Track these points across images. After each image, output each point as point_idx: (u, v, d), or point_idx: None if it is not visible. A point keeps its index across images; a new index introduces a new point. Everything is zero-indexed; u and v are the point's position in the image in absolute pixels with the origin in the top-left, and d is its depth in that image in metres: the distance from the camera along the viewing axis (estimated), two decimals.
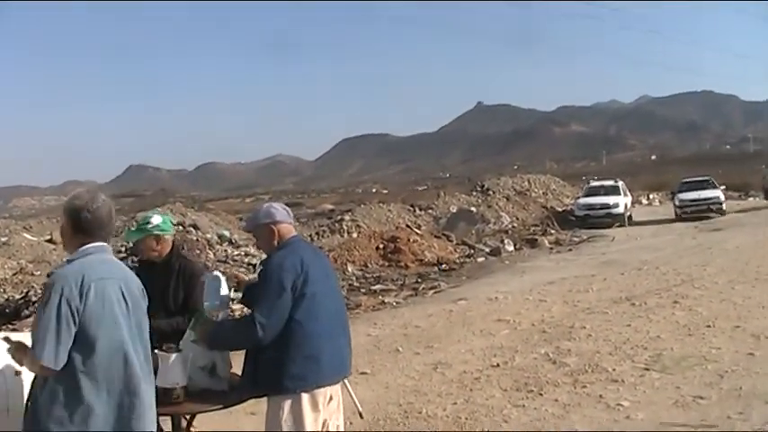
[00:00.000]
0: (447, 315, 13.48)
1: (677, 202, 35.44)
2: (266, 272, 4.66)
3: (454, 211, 36.11)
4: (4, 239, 31.47)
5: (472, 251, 24.76)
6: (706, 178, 38.03)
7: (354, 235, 28.85)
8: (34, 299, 15.21)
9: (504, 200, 39.25)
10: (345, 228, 31.46)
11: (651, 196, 54.56)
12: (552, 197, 44.05)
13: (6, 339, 4.15)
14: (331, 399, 4.69)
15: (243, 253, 24.15)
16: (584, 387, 8.30)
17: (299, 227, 38.68)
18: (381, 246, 23.36)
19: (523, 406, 7.79)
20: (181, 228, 28.11)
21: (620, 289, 14.78)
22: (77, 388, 3.71)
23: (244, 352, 4.76)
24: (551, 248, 25.77)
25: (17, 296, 17.02)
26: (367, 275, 20.58)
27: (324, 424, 4.67)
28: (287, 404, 4.49)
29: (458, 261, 22.86)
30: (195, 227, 29.33)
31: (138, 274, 5.67)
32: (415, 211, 37.12)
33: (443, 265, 21.75)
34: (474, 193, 41.33)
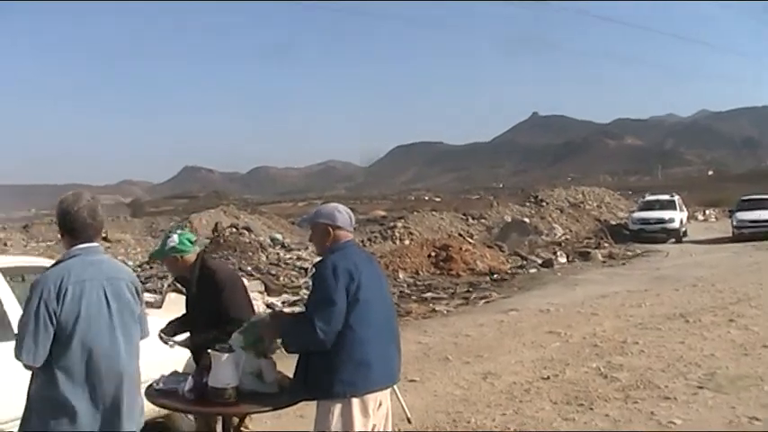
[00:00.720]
0: (498, 325, 13.42)
1: (735, 222, 33.70)
2: (320, 275, 4.66)
3: (507, 221, 35.98)
4: (59, 236, 32.07)
5: (524, 262, 24.63)
6: (767, 197, 35.90)
7: (406, 242, 28.84)
8: None
9: (558, 211, 39.03)
10: (397, 235, 31.46)
11: (707, 212, 53.87)
12: (606, 210, 43.70)
13: None
14: (381, 404, 4.69)
15: (295, 257, 24.23)
16: (635, 403, 8.20)
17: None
18: (433, 254, 23.32)
19: (573, 420, 7.73)
20: (234, 230, 28.34)
21: (674, 305, 14.59)
22: (55, 384, 3.90)
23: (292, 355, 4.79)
24: (604, 262, 25.54)
25: None
26: (418, 283, 20.56)
27: (373, 429, 4.67)
28: (337, 408, 4.50)
29: (509, 271, 22.74)
30: (248, 229, 29.51)
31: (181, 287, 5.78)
32: (467, 220, 37.06)
33: (495, 275, 21.66)
34: (527, 204, 41.16)
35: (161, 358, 5.79)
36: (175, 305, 8.15)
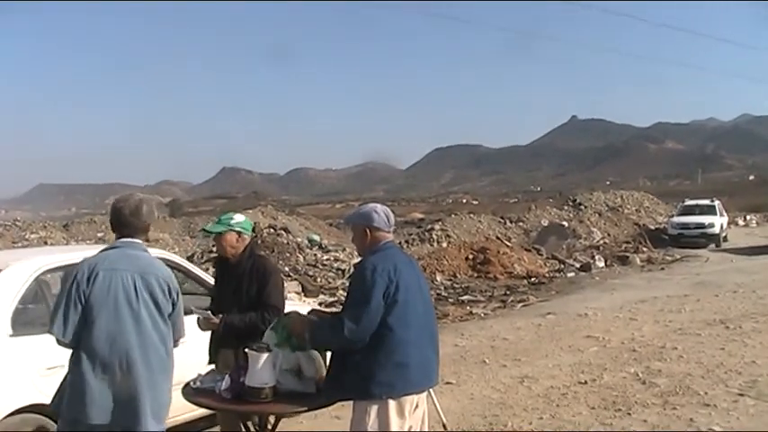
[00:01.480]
0: (535, 329, 13.37)
1: None
2: (358, 275, 4.68)
3: (545, 224, 35.84)
4: (100, 235, 32.40)
5: (562, 266, 24.52)
6: None
7: (444, 245, 28.84)
8: None
9: (596, 215, 38.81)
10: (435, 237, 31.47)
11: (748, 217, 53.22)
12: (645, 214, 43.33)
13: None
14: (417, 406, 4.69)
15: (332, 258, 24.31)
16: (674, 409, 8.11)
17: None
18: (471, 256, 23.31)
19: (611, 425, 7.67)
20: (272, 230, 28.48)
21: (714, 311, 14.43)
22: (79, 363, 4.22)
23: (330, 355, 4.80)
24: (643, 266, 25.33)
25: None
26: (455, 286, 20.55)
27: (409, 431, 4.67)
28: (373, 410, 4.50)
29: (547, 275, 22.65)
30: (286, 230, 29.65)
31: (218, 271, 5.84)
32: (505, 223, 36.96)
33: (533, 279, 21.60)
34: (565, 208, 40.94)
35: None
36: None
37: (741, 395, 8.54)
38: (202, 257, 22.22)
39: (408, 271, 4.76)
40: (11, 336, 5.64)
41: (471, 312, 16.18)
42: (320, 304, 16.01)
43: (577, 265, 24.47)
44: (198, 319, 5.80)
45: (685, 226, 33.86)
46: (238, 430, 5.84)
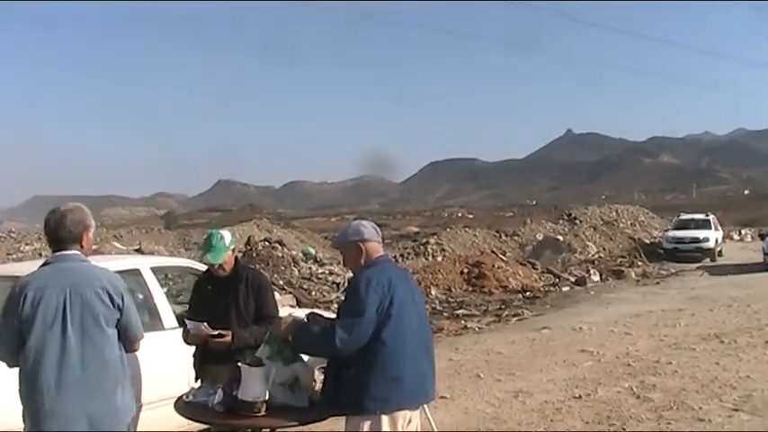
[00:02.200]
0: (530, 343, 13.35)
1: (766, 248, 28.71)
2: (353, 288, 4.67)
3: (540, 238, 35.87)
4: (95, 247, 32.30)
5: (557, 280, 24.54)
6: None
7: (439, 258, 28.86)
8: None
9: (591, 229, 38.85)
10: (430, 251, 31.48)
11: (743, 232, 53.34)
12: (640, 228, 43.42)
13: None
14: (410, 421, 4.66)
15: (327, 271, 24.30)
16: (668, 424, 8.11)
17: (384, 248, 38.68)
18: (466, 270, 23.32)
19: None
20: (267, 243, 28.46)
21: (709, 325, 14.43)
22: (21, 385, 4.20)
23: (324, 371, 4.78)
24: (638, 281, 25.36)
25: None
26: (450, 299, 20.56)
27: None
28: (366, 425, 4.48)
29: (542, 289, 22.67)
30: (281, 243, 29.62)
31: (205, 286, 5.80)
32: (500, 237, 37.01)
33: (528, 293, 21.60)
34: (560, 222, 41.03)
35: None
36: None
37: (736, 410, 8.54)
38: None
39: (403, 285, 4.75)
40: None
41: (466, 326, 16.16)
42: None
43: (572, 280, 24.49)
44: (184, 331, 5.81)
45: (680, 240, 33.93)
46: None
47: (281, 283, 20.27)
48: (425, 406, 5.09)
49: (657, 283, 24.61)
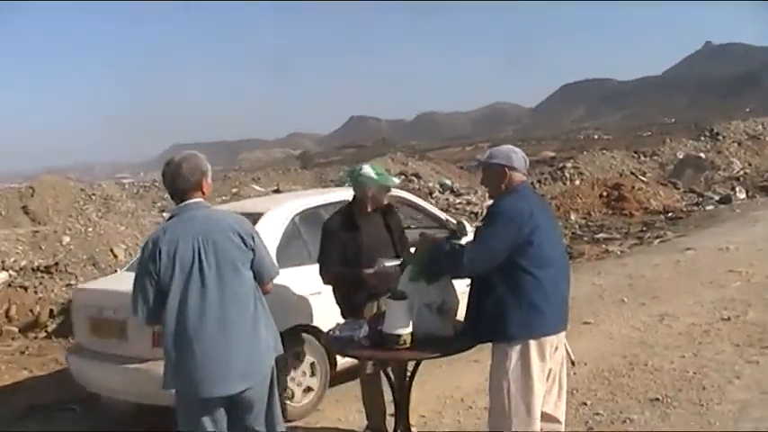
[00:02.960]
0: (674, 265, 13.07)
1: None
2: (490, 214, 4.68)
3: (681, 157, 34.75)
4: (234, 191, 33.21)
5: (700, 199, 23.82)
6: None
7: (577, 183, 28.39)
8: None
9: (735, 145, 37.36)
10: (567, 175, 30.99)
11: None
12: None
13: None
14: (557, 349, 4.68)
15: (465, 201, 24.29)
16: None
17: None
18: (605, 193, 22.92)
19: (757, 362, 7.46)
20: (403, 177, 28.61)
21: None
22: (164, 340, 4.27)
23: (467, 301, 4.81)
24: None
25: None
26: (590, 224, 20.29)
27: (549, 374, 4.67)
28: (514, 352, 4.50)
29: (685, 209, 22.07)
30: (417, 176, 29.78)
31: (352, 226, 5.82)
32: (639, 157, 36.08)
33: (670, 214, 21.08)
34: (702, 139, 39.57)
35: None
36: None
37: None
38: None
39: (542, 212, 4.73)
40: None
41: (607, 250, 15.95)
42: None
43: (716, 198, 23.71)
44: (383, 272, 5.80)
45: None
46: (378, 376, 5.97)
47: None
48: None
49: None
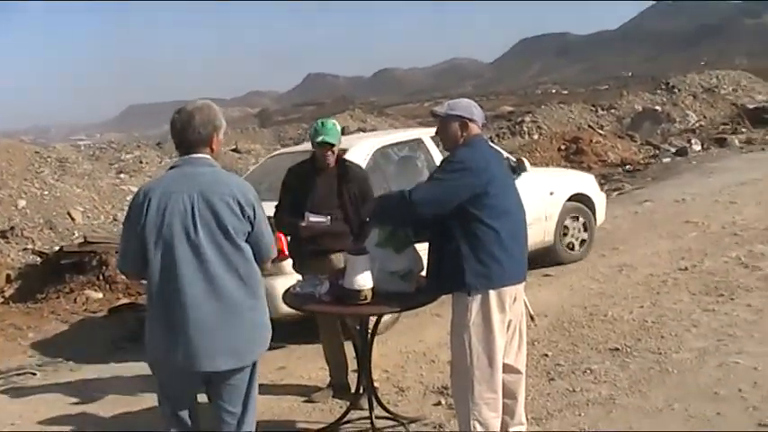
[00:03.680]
0: (632, 217, 13.19)
1: None
2: (448, 161, 4.68)
3: (638, 110, 34.96)
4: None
5: (657, 151, 23.98)
6: None
7: (535, 137, 28.49)
8: None
9: (691, 98, 37.62)
10: (526, 130, 31.07)
11: None
12: (743, 94, 41.80)
13: None
14: (515, 300, 4.70)
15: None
16: None
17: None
18: (563, 147, 23.04)
19: (713, 311, 7.58)
20: (362, 133, 28.52)
21: None
22: (147, 301, 3.98)
23: (427, 256, 4.82)
24: (742, 148, 24.56)
25: None
26: None
27: (509, 325, 4.69)
28: (474, 304, 4.51)
29: (642, 162, 22.21)
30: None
31: (309, 178, 5.81)
32: (597, 111, 36.20)
33: (627, 166, 21.22)
34: (658, 92, 39.77)
35: None
36: None
37: None
38: None
39: (498, 165, 4.75)
40: None
41: None
42: None
43: (673, 150, 23.88)
44: (290, 223, 5.92)
45: None
46: (339, 332, 5.99)
47: None
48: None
49: (763, 149, 23.84)
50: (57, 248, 12.28)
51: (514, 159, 9.33)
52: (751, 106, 36.98)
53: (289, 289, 5.38)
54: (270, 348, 4.12)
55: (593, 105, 37.95)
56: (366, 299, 4.76)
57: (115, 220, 15.77)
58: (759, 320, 7.15)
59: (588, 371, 6.31)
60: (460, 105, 4.78)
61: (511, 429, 4.85)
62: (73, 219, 15.08)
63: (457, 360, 4.66)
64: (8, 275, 11.58)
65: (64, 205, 15.67)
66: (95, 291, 10.55)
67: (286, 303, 5.19)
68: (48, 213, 15.12)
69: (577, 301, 8.40)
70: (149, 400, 5.53)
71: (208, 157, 3.98)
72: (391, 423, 5.53)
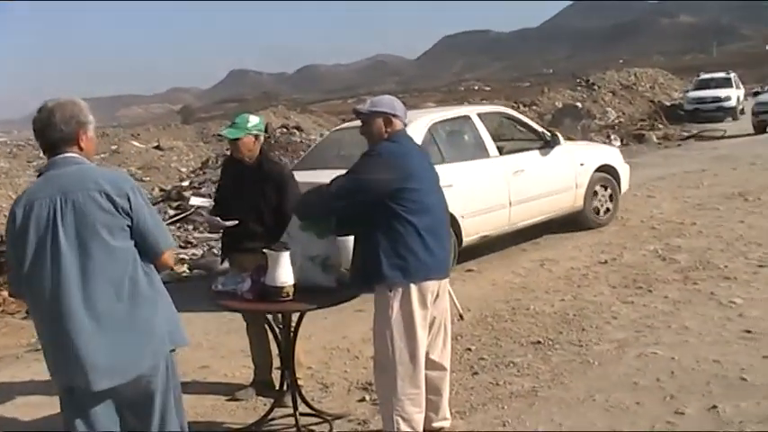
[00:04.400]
0: None
1: (755, 107, 27.27)
2: (367, 155, 4.67)
3: (559, 106, 35.45)
4: (114, 147, 32.40)
5: None
6: None
7: None
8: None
9: (610, 95, 38.32)
10: None
11: (766, 88, 52.48)
12: (660, 91, 42.78)
13: None
14: (438, 296, 4.71)
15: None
16: (695, 284, 8.15)
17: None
18: None
19: (632, 303, 7.72)
20: (285, 130, 28.34)
21: (733, 184, 14.34)
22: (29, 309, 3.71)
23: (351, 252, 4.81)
24: (659, 143, 25.16)
25: None
26: None
27: (432, 322, 4.71)
28: (396, 300, 4.51)
29: None
30: (299, 129, 29.47)
31: (232, 171, 5.79)
32: (519, 107, 36.60)
33: None
34: (578, 89, 40.45)
35: None
36: None
37: (761, 266, 8.58)
38: (217, 162, 22.21)
39: (420, 160, 4.74)
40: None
41: None
42: None
43: None
44: (208, 222, 5.93)
45: (701, 100, 33.46)
46: (264, 329, 5.94)
47: None
48: (449, 286, 5.10)
49: (679, 145, 24.45)
50: None
51: (549, 133, 11.05)
52: (668, 103, 37.93)
53: (211, 286, 5.32)
54: (194, 347, 4.01)
55: (516, 102, 38.45)
56: (288, 295, 4.73)
57: None
58: (676, 312, 7.30)
59: (511, 364, 6.36)
60: (383, 102, 4.76)
61: (435, 424, 4.87)
62: None
63: (380, 356, 4.66)
64: None
65: None
66: None
67: (209, 301, 5.15)
68: None
69: (500, 296, 8.48)
70: None
71: (75, 155, 3.56)
72: (316, 420, 5.50)
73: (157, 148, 30.11)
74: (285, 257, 4.72)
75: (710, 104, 33.01)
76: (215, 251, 10.80)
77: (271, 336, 5.78)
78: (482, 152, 10.04)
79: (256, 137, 5.87)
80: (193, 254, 11.66)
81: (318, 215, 4.76)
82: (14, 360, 7.94)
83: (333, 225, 4.79)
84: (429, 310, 4.61)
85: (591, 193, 11.32)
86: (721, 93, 33.48)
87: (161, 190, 19.89)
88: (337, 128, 12.93)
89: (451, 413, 5.10)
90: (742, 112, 33.73)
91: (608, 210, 11.64)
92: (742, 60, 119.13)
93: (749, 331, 6.55)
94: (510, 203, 10.06)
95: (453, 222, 8.59)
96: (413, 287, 4.50)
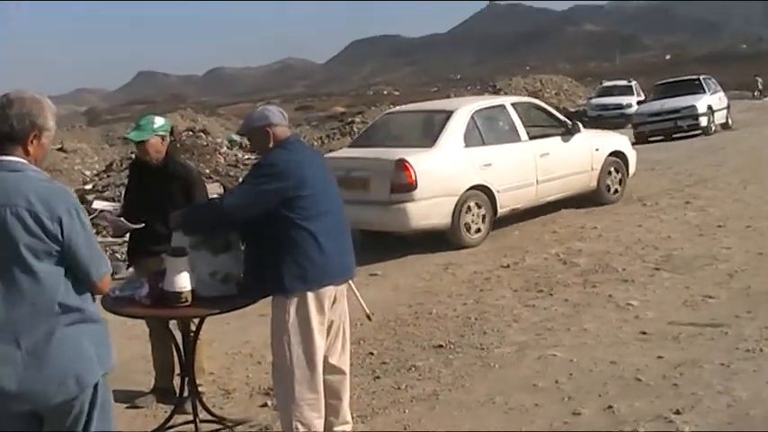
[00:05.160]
0: None
1: (635, 118, 27.55)
2: (257, 166, 4.71)
3: None
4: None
5: None
6: (694, 78, 28.35)
7: None
8: None
9: None
10: (356, 130, 31.34)
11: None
12: (565, 97, 43.69)
13: None
14: (336, 301, 4.71)
15: (253, 157, 24.04)
16: (593, 287, 8.31)
17: (309, 130, 38.48)
18: None
19: (533, 306, 7.83)
20: (191, 133, 28.02)
21: (631, 189, 14.57)
22: None
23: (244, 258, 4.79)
24: None
25: None
26: None
27: (330, 326, 4.70)
28: (292, 305, 4.50)
29: None
30: (205, 132, 29.17)
31: (138, 172, 5.73)
32: None
33: None
34: (485, 95, 41.02)
35: None
36: None
37: (657, 269, 8.77)
38: (122, 165, 21.83)
39: (315, 163, 4.73)
40: (464, 147, 10.92)
41: None
42: None
43: None
44: (109, 226, 5.83)
45: (604, 107, 34.38)
46: (166, 335, 5.85)
47: (207, 171, 20.05)
48: (353, 284, 5.11)
49: None
50: None
51: (570, 122, 12.84)
52: (572, 110, 38.77)
53: (108, 293, 5.20)
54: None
55: None
56: (186, 301, 4.64)
57: None
58: (575, 315, 7.43)
59: (413, 368, 6.39)
60: (257, 115, 4.78)
61: (336, 429, 4.86)
62: None
63: (277, 361, 4.64)
64: None
65: None
66: None
67: (105, 308, 5.02)
68: None
69: (403, 300, 8.50)
70: None
71: (16, 159, 3.18)
72: (217, 426, 5.44)
73: (61, 150, 29.41)
74: (183, 262, 4.64)
75: (613, 111, 33.91)
76: (118, 255, 10.63)
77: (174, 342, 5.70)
78: (515, 136, 11.72)
79: (163, 138, 5.80)
80: None
81: (206, 232, 4.72)
82: None
83: (230, 242, 4.76)
84: (327, 315, 4.60)
85: (605, 175, 13.05)
86: (623, 100, 34.36)
87: None
88: (389, 111, 15.77)
89: (353, 417, 5.10)
90: None
91: (616, 190, 13.37)
92: (643, 69, 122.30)
93: (644, 332, 6.71)
94: (537, 182, 11.78)
95: (490, 196, 10.95)
96: (310, 294, 4.49)
